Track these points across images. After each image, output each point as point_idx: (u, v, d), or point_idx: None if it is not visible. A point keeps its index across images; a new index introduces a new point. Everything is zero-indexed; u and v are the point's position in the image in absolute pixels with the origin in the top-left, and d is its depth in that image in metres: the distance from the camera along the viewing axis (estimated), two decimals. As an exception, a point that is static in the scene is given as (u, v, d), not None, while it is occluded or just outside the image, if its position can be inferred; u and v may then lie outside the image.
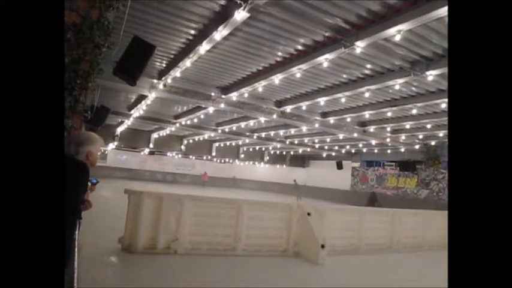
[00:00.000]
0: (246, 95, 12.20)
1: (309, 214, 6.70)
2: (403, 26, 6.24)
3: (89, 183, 2.57)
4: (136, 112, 16.86)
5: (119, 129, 24.24)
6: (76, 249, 1.40)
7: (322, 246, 6.16)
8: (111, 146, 26.50)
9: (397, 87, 10.02)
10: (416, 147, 19.95)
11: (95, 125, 13.87)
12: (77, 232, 1.74)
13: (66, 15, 4.17)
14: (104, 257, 5.38)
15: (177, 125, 20.19)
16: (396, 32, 6.43)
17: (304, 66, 8.92)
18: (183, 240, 5.87)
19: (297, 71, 9.20)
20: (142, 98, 14.36)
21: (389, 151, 23.12)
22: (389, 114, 13.65)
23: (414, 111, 13.28)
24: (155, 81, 11.64)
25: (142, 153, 30.07)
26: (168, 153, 30.78)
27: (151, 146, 27.62)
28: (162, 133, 25.13)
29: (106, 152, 28.73)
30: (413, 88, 10.55)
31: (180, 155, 30.97)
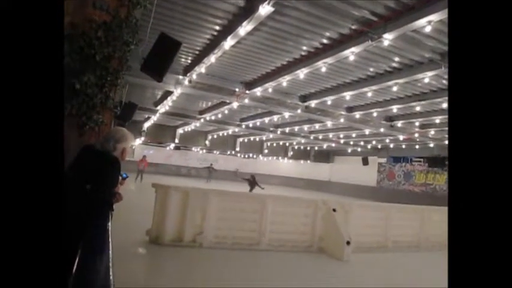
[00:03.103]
0: (270, 90, 12.16)
1: (334, 210, 6.63)
2: (434, 17, 5.99)
3: (120, 178, 2.66)
4: (163, 108, 17.19)
5: (146, 125, 24.84)
6: (110, 239, 1.45)
7: (348, 243, 6.08)
8: (138, 141, 27.22)
9: (426, 80, 9.65)
10: (446, 142, 19.22)
11: (123, 120, 14.27)
12: (109, 223, 1.81)
13: (97, 14, 4.30)
14: (132, 249, 5.56)
15: (202, 120, 20.44)
16: (426, 22, 6.18)
17: (329, 60, 8.76)
18: (208, 234, 5.97)
19: (322, 65, 9.05)
20: (168, 93, 14.62)
21: (417, 146, 22.39)
22: (417, 108, 13.20)
23: (444, 105, 12.76)
24: (180, 77, 11.80)
25: (168, 148, 30.70)
26: (193, 148, 31.25)
27: (176, 141, 28.13)
28: (187, 128, 25.53)
29: (133, 147, 29.55)
30: (444, 81, 10.13)
31: (204, 150, 31.37)
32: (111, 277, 0.97)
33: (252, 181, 19.51)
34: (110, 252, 1.14)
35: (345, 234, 6.17)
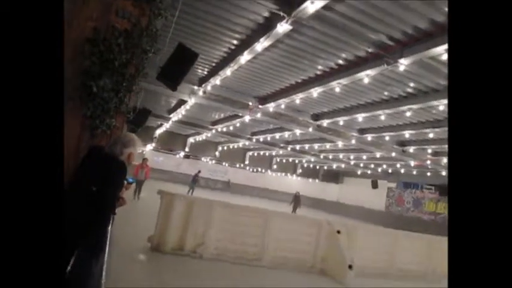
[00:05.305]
0: (283, 106, 12.23)
1: (338, 232, 6.52)
2: (452, 45, 5.99)
3: (125, 182, 2.69)
4: (176, 116, 17.42)
5: (158, 131, 25.14)
6: (108, 242, 1.45)
7: (350, 267, 5.95)
8: (149, 147, 27.49)
9: (441, 107, 9.59)
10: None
11: (136, 125, 14.48)
12: (109, 228, 1.82)
13: (119, 22, 4.43)
14: (133, 255, 5.55)
15: (213, 131, 20.60)
16: (444, 50, 6.17)
17: (344, 81, 8.80)
18: (209, 245, 5.92)
19: (337, 85, 9.09)
20: (182, 102, 14.83)
21: (429, 174, 22.01)
22: (431, 135, 13.05)
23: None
24: (195, 87, 11.98)
25: (177, 156, 30.89)
26: (203, 158, 31.38)
27: (186, 149, 28.35)
28: (198, 138, 25.73)
29: (144, 153, 29.84)
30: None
31: (213, 161, 31.45)
32: (103, 280, 0.97)
33: (297, 198, 19.22)
34: (106, 256, 1.14)
35: (347, 257, 6.05)
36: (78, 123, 4.18)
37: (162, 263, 5.40)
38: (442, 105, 9.29)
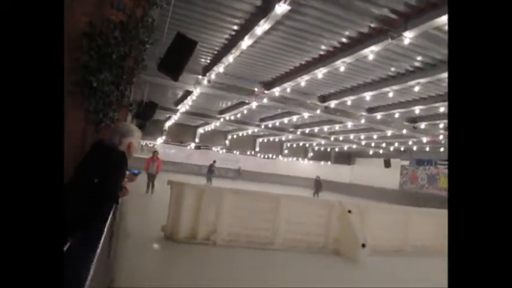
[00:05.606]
0: (288, 90, 12.12)
1: (349, 212, 6.51)
2: (457, 14, 5.78)
3: (128, 173, 2.71)
4: (183, 107, 17.47)
5: (167, 124, 25.31)
6: (105, 230, 1.47)
7: (363, 245, 5.95)
8: (160, 140, 27.75)
9: (450, 80, 9.32)
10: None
11: (144, 119, 14.60)
12: (110, 216, 1.84)
13: (115, 14, 4.41)
14: (148, 244, 5.67)
15: (222, 120, 20.62)
16: (449, 20, 5.97)
17: (348, 60, 8.64)
18: (222, 232, 5.99)
19: (341, 64, 8.94)
20: (188, 93, 14.85)
21: (442, 149, 21.66)
22: (442, 109, 12.78)
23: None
24: (200, 77, 11.95)
25: (188, 147, 31.13)
26: (213, 148, 31.55)
27: (197, 140, 28.52)
28: (207, 128, 25.83)
29: (155, 146, 30.16)
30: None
31: (224, 150, 31.59)
32: (90, 276, 0.97)
33: (318, 183, 20.02)
34: (99, 251, 1.15)
35: (360, 236, 6.04)
36: (82, 119, 4.22)
37: (176, 251, 5.50)
38: (451, 77, 9.03)
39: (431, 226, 7.72)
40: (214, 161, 21.45)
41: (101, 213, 1.93)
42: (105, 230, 1.40)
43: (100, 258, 1.26)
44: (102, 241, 1.21)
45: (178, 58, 5.42)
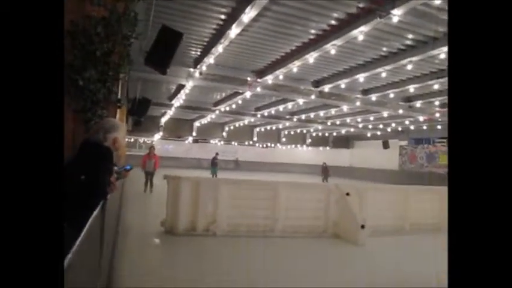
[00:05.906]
0: (281, 77, 12.02)
1: (347, 194, 6.53)
2: (444, -13, 5.71)
3: (117, 168, 2.70)
4: (177, 102, 17.36)
5: (163, 120, 25.20)
6: (86, 227, 1.47)
7: (362, 227, 5.99)
8: (157, 136, 27.67)
9: (442, 56, 9.25)
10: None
11: (139, 116, 14.53)
12: (95, 212, 1.84)
13: (95, 10, 4.34)
14: (149, 239, 5.70)
15: (217, 112, 20.53)
16: (437, -6, 5.90)
17: (338, 42, 8.54)
18: (221, 223, 6.02)
19: (332, 47, 8.85)
20: (181, 87, 14.74)
21: (439, 127, 21.62)
22: (436, 86, 12.71)
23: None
24: (191, 69, 11.84)
25: (186, 141, 31.09)
26: (211, 141, 31.52)
27: (194, 134, 28.44)
28: (204, 121, 25.74)
29: (153, 143, 30.12)
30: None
31: (222, 142, 31.56)
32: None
33: (325, 169, 21.17)
34: (74, 249, 1.14)
35: (359, 218, 6.08)
36: (70, 118, 4.19)
37: (177, 244, 5.53)
38: (443, 53, 8.96)
39: (430, 203, 7.76)
40: (217, 154, 20.97)
41: (87, 208, 1.93)
42: (86, 228, 1.39)
43: (79, 258, 1.25)
44: (79, 241, 1.20)
45: (164, 51, 5.36)
